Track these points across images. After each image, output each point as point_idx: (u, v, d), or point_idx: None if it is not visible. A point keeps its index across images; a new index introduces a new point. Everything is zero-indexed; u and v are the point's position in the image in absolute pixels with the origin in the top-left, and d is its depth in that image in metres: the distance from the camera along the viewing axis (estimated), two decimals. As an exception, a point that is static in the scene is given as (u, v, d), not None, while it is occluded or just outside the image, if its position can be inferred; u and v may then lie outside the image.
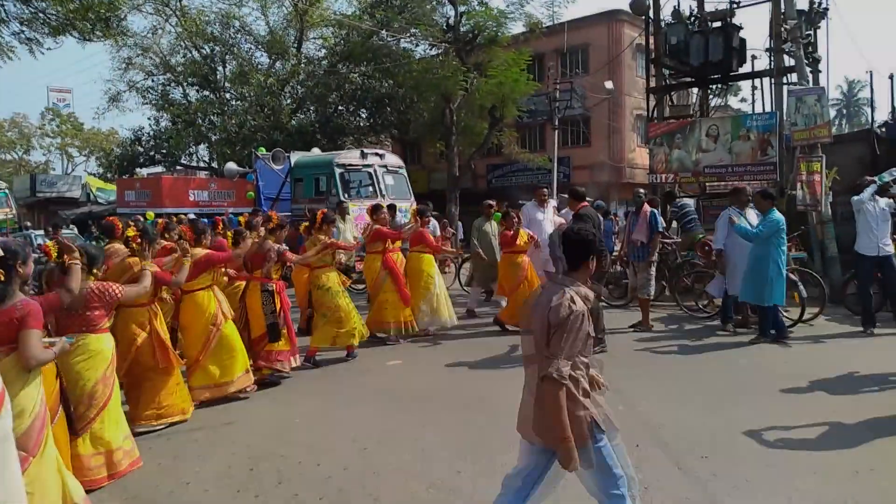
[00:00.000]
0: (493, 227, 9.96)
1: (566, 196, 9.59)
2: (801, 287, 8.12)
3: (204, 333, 5.76)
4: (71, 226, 20.62)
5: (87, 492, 3.76)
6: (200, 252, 5.89)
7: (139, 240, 5.03)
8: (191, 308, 5.82)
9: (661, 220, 8.89)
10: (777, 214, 7.42)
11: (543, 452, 2.76)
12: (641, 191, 9.36)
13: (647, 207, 8.65)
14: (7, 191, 26.21)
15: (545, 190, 9.62)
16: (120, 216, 10.07)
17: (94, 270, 4.43)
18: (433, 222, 10.64)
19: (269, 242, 6.51)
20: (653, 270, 8.52)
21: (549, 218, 8.93)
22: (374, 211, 8.47)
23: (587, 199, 8.19)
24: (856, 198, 7.90)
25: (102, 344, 4.31)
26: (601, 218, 8.13)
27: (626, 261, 9.12)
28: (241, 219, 8.16)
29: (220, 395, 5.78)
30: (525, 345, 2.90)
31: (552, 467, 2.76)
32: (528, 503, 2.83)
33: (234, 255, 6.25)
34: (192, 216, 13.61)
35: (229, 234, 7.29)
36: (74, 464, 3.93)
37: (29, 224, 23.21)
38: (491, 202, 10.48)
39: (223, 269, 6.41)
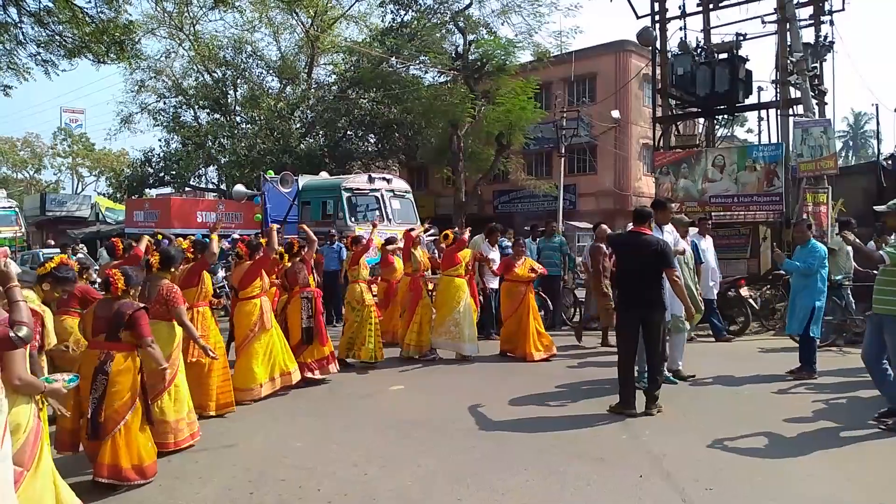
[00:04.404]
0: None
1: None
2: None
3: (242, 336, 6.51)
4: (81, 244, 20.74)
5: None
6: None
7: (192, 250, 6.20)
8: (241, 312, 6.65)
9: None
10: (820, 244, 7.37)
11: None
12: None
13: None
14: (17, 209, 26.46)
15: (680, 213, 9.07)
16: (128, 236, 10.16)
17: (172, 270, 5.16)
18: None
19: (297, 263, 7.48)
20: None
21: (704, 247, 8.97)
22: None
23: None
24: None
25: (172, 330, 5.06)
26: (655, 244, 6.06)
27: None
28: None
29: (243, 398, 6.28)
30: None
31: None
32: None
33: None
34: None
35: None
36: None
37: (52, 243, 23.29)
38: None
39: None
